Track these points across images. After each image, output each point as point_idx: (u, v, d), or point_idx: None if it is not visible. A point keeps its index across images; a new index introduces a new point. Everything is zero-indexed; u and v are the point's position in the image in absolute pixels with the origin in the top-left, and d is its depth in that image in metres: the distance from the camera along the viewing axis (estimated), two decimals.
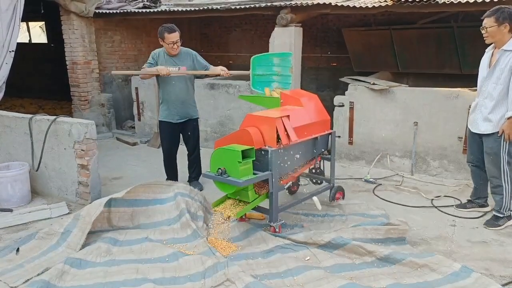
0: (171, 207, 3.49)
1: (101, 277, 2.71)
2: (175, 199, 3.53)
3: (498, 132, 3.24)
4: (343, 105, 5.06)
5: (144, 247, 3.09)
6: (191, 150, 4.37)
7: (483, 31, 3.23)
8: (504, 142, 3.24)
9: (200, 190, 4.12)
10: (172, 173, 4.35)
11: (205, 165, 3.19)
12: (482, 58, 3.43)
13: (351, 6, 4.82)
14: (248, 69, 4.00)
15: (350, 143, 5.11)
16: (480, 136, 3.41)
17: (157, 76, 4.04)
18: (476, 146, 3.50)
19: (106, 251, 3.00)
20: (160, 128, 4.29)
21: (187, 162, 4.44)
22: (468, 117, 3.61)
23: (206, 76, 5.07)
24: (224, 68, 4.10)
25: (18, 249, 3.04)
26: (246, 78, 4.04)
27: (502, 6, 3.18)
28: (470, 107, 3.68)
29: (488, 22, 3.17)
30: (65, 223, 3.23)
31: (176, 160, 4.36)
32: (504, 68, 3.16)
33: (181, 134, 4.30)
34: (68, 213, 3.76)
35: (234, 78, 4.37)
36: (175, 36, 3.94)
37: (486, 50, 3.41)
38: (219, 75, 4.13)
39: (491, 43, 3.32)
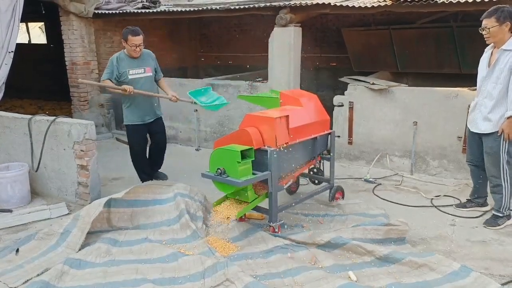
0: (170, 208, 3.49)
1: (100, 277, 2.71)
2: (175, 199, 3.53)
3: (497, 131, 3.24)
4: (342, 105, 5.06)
5: (143, 247, 3.09)
6: (161, 144, 4.53)
7: (484, 32, 3.23)
8: (504, 142, 3.24)
9: (166, 178, 4.48)
10: (148, 174, 4.42)
11: (205, 165, 3.19)
12: (482, 57, 3.43)
13: (350, 6, 4.82)
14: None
15: (350, 143, 5.11)
16: (480, 135, 3.41)
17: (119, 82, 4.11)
18: (476, 145, 3.50)
19: (105, 252, 3.00)
20: (130, 131, 4.28)
21: (155, 153, 4.58)
22: (468, 117, 3.61)
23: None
24: (175, 94, 4.33)
25: (17, 250, 3.04)
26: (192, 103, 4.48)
27: (500, 6, 3.18)
28: (469, 106, 3.68)
29: (489, 23, 3.17)
30: (64, 223, 3.24)
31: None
32: (504, 67, 3.16)
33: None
34: (68, 213, 3.76)
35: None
36: (139, 39, 3.98)
37: (486, 49, 3.41)
38: (170, 99, 4.33)
39: (491, 43, 3.32)
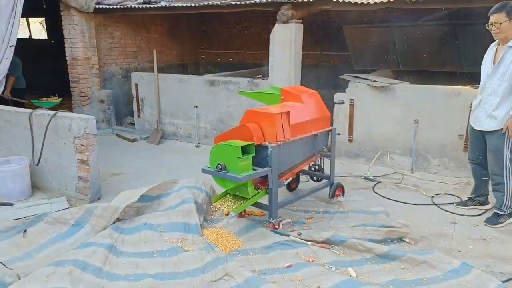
0: (174, 197, 3.49)
1: (101, 261, 2.72)
2: (179, 191, 3.54)
3: (502, 129, 3.23)
4: (343, 103, 5.04)
5: (143, 236, 3.08)
6: None
7: (493, 27, 3.19)
8: (508, 140, 3.23)
9: None
10: None
11: (205, 162, 3.18)
12: (485, 55, 3.41)
13: (352, 2, 4.79)
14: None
15: (350, 140, 5.10)
16: (483, 133, 3.40)
17: None
18: (478, 143, 3.49)
19: (108, 235, 3.03)
20: None
21: None
22: (471, 115, 3.60)
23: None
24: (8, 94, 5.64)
25: (25, 231, 3.03)
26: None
27: (507, 1, 3.16)
28: (471, 104, 3.67)
29: (499, 18, 3.14)
30: (76, 214, 3.21)
31: None
32: (509, 64, 3.14)
33: None
34: (68, 208, 3.75)
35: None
36: None
37: (490, 46, 3.40)
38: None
39: (495, 40, 3.31)
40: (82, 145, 3.84)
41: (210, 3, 5.79)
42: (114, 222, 3.26)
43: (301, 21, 5.39)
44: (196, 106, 6.04)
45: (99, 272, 2.64)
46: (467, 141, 4.01)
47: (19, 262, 2.76)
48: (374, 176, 4.59)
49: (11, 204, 3.80)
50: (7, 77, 5.56)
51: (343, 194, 3.97)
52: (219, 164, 2.97)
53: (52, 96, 6.12)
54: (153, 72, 6.33)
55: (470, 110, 3.75)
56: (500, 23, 3.14)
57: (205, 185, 3.69)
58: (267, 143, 3.08)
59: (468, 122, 3.70)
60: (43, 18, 11.73)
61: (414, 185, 4.38)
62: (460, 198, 3.95)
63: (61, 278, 2.48)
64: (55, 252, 2.90)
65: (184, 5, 6.08)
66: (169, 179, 3.81)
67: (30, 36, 12.16)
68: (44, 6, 6.68)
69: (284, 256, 2.90)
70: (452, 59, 6.37)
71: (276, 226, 3.25)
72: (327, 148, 3.91)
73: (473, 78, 4.44)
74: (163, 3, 6.58)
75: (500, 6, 3.15)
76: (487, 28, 3.24)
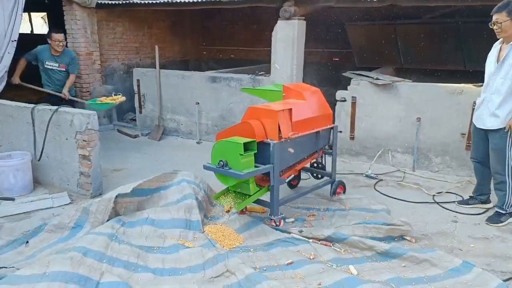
0: (174, 191, 3.47)
1: (103, 247, 2.73)
2: (180, 184, 3.52)
3: (504, 127, 3.22)
4: (345, 100, 5.03)
5: (144, 230, 3.08)
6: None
7: (495, 27, 3.19)
8: (510, 139, 3.22)
9: None
10: None
11: (206, 158, 3.18)
12: (489, 53, 3.40)
13: None
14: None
15: (352, 138, 5.09)
16: (486, 131, 3.39)
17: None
18: (481, 142, 3.48)
19: (111, 226, 3.03)
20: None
21: None
22: (474, 113, 3.59)
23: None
24: (66, 92, 5.25)
25: (27, 242, 3.03)
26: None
27: (510, 0, 3.15)
28: (474, 103, 3.65)
29: (500, 17, 3.13)
30: (74, 216, 3.19)
31: None
32: None
33: None
34: (70, 203, 3.76)
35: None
36: (61, 36, 5.07)
37: (494, 45, 3.38)
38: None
39: (499, 38, 3.29)
40: (83, 140, 3.84)
41: None
42: (109, 219, 3.25)
43: (304, 18, 5.37)
44: (198, 103, 6.04)
45: (102, 257, 2.64)
46: (470, 139, 3.99)
47: (23, 262, 2.75)
48: (375, 174, 4.59)
49: (13, 199, 3.81)
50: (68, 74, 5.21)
51: (344, 191, 3.97)
52: (221, 160, 2.97)
53: (114, 94, 5.28)
54: (155, 68, 6.32)
55: (473, 108, 3.74)
56: (501, 23, 3.13)
57: (203, 183, 3.69)
58: (269, 140, 3.08)
59: (471, 120, 3.68)
60: (45, 13, 11.72)
61: (415, 183, 4.37)
62: (461, 196, 3.94)
63: (62, 262, 2.47)
64: (56, 250, 2.88)
65: (187, 0, 6.06)
66: (168, 171, 3.79)
67: (31, 31, 12.15)
68: (47, 1, 6.67)
69: (285, 253, 2.90)
70: (455, 57, 6.34)
71: (277, 223, 3.26)
72: (328, 146, 3.91)
73: (475, 77, 4.43)
74: None
75: (501, 6, 3.14)
76: (490, 27, 3.23)
